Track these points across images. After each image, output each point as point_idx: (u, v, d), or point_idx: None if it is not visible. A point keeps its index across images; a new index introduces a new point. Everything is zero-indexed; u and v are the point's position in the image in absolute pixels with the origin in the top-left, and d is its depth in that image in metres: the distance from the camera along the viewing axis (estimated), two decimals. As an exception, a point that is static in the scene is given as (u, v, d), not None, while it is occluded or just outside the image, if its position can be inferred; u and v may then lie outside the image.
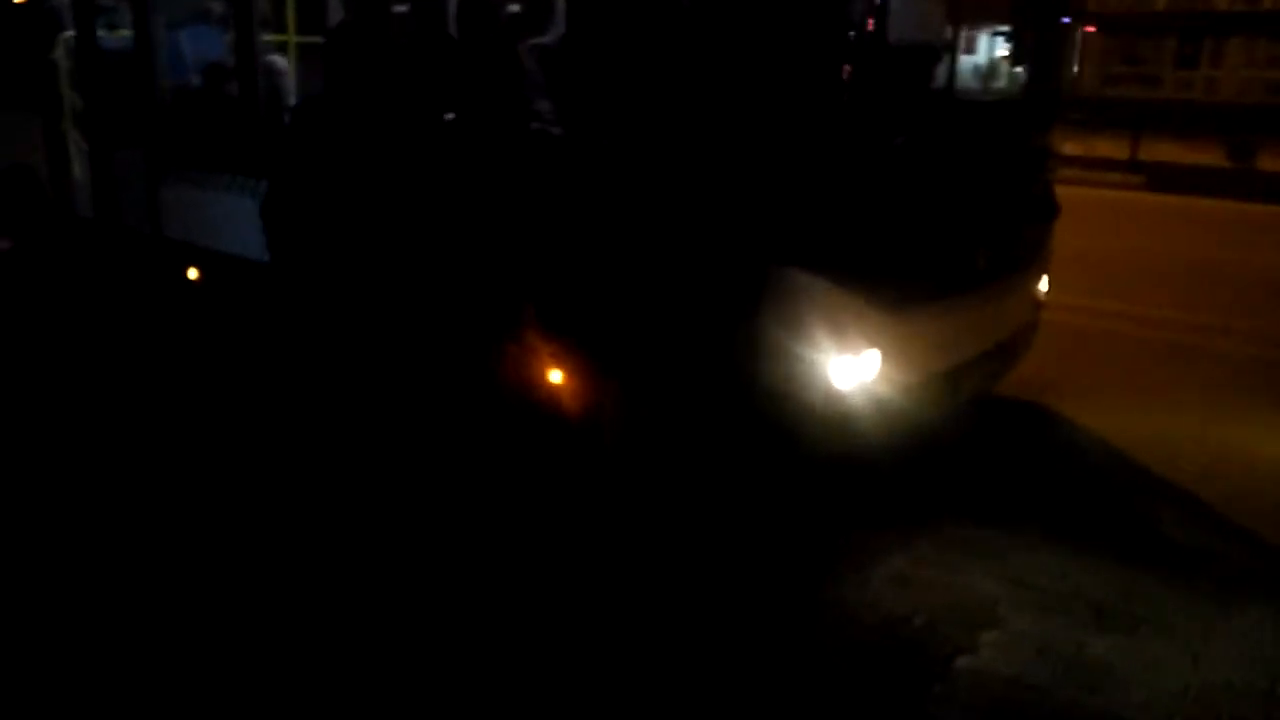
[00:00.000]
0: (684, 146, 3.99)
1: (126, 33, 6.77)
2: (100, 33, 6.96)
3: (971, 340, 4.61)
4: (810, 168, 3.80)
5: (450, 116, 4.72)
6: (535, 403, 4.65)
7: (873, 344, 4.01)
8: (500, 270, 4.52)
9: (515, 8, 5.43)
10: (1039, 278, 5.33)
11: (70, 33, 7.16)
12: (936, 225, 4.25)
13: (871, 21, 3.43)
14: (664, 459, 4.29)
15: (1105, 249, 9.90)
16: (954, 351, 4.50)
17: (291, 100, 6.21)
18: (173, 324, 6.66)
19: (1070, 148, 17.09)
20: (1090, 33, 33.08)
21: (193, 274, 6.61)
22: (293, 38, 6.94)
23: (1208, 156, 16.58)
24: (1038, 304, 5.40)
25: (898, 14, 3.28)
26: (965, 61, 4.43)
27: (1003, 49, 4.87)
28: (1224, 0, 31.10)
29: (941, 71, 4.12)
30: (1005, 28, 4.85)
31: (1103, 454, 5.14)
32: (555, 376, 4.58)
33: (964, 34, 4.33)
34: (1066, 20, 5.19)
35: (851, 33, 3.55)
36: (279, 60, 6.39)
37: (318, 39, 6.90)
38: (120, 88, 6.80)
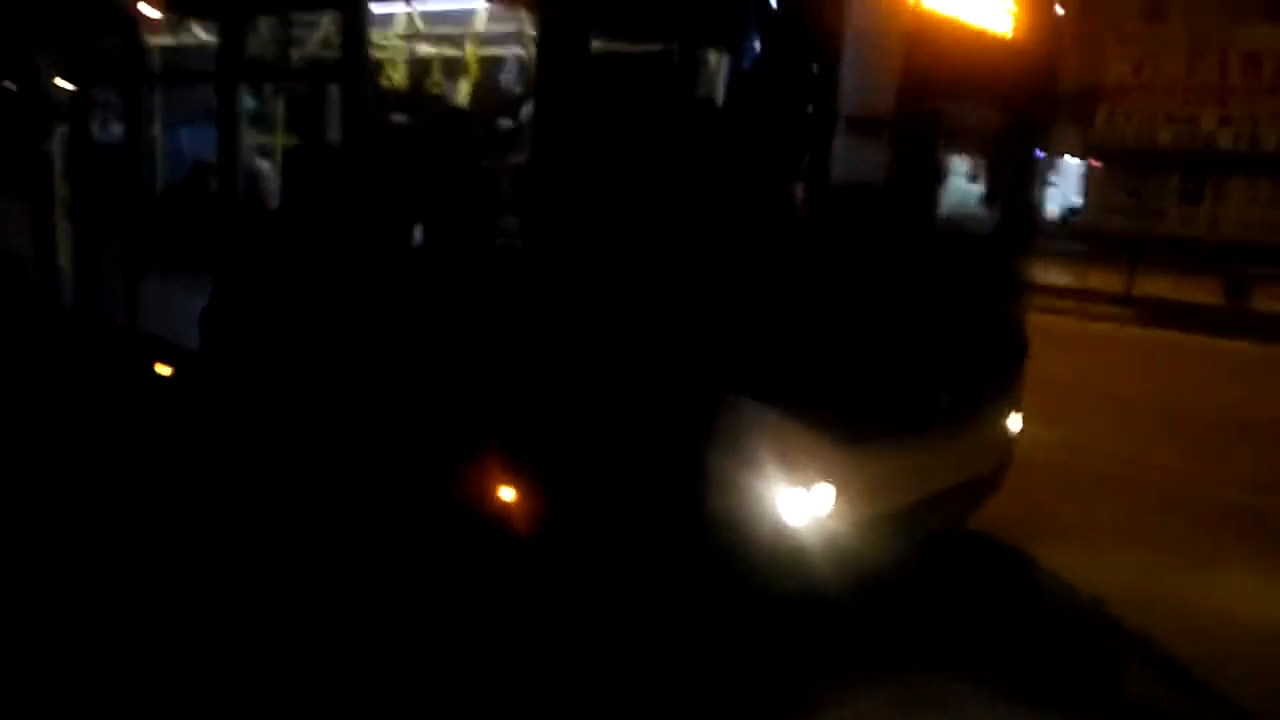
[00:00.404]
0: (638, 271, 3.96)
1: (120, 129, 6.88)
2: (95, 128, 7.07)
3: (932, 477, 4.49)
4: (763, 296, 3.75)
5: (416, 235, 4.73)
6: (485, 518, 4.52)
7: (826, 478, 3.90)
8: (458, 390, 4.44)
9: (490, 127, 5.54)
10: (1008, 416, 5.23)
11: (65, 126, 7.27)
12: (896, 359, 4.18)
13: (827, 152, 3.42)
14: (611, 585, 4.14)
15: (1090, 384, 9.83)
16: (913, 488, 4.39)
17: (269, 203, 6.27)
18: (136, 418, 6.57)
19: (1064, 278, 17.32)
20: (1095, 167, 33.89)
21: (163, 370, 6.56)
22: (280, 138, 7.06)
23: (1203, 293, 16.64)
24: (1008, 442, 5.28)
25: (851, 147, 3.26)
26: (936, 190, 4.44)
27: (971, 178, 4.89)
28: (1227, 139, 31.81)
29: (907, 201, 4.12)
30: (976, 158, 4.87)
31: (1072, 601, 4.96)
32: (506, 494, 4.46)
33: (935, 163, 4.36)
34: (1040, 154, 5.23)
35: (805, 163, 3.55)
36: (261, 162, 6.48)
37: (307, 138, 7.06)
38: (110, 182, 6.88)
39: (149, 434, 6.29)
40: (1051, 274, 15.39)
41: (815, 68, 3.27)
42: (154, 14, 6.29)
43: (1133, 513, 6.30)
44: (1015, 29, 4.28)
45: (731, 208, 3.71)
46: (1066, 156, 34.21)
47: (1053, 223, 34.00)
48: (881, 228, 3.61)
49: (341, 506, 4.98)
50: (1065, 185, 35.06)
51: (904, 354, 4.21)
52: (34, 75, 7.52)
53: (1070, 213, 34.84)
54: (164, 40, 6.59)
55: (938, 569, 4.98)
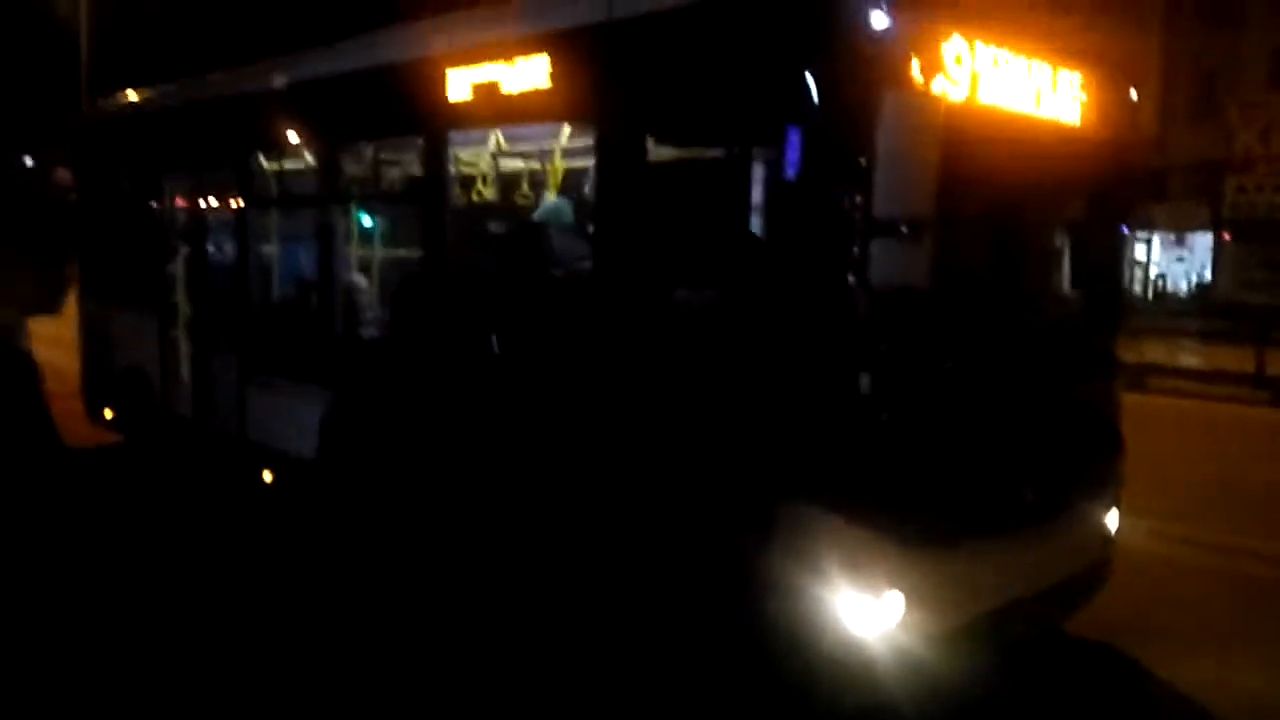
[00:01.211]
0: (694, 372, 3.99)
1: (232, 250, 7.36)
2: (210, 248, 7.58)
3: (1018, 582, 4.29)
4: (818, 399, 3.73)
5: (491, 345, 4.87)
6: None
7: (894, 585, 3.78)
8: (525, 500, 4.52)
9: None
10: (1106, 510, 4.98)
11: (187, 248, 7.82)
12: (970, 457, 4.06)
13: (866, 256, 3.41)
14: (666, 691, 4.08)
15: (1214, 472, 9.26)
16: (996, 594, 4.19)
17: (367, 316, 6.58)
18: (243, 524, 6.87)
19: (1191, 358, 16.45)
20: (1226, 240, 32.52)
21: (267, 477, 6.86)
22: (378, 252, 7.43)
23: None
24: (1107, 538, 5.02)
25: (889, 250, 3.26)
26: (1001, 283, 4.36)
27: (1050, 264, 4.78)
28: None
29: (969, 297, 4.05)
30: (1049, 245, 4.78)
31: (1182, 713, 4.62)
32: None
33: (995, 255, 4.28)
34: (1125, 230, 5.08)
35: (851, 267, 3.54)
36: (359, 279, 6.83)
37: (403, 252, 7.42)
38: (225, 298, 7.34)
39: (253, 538, 6.55)
40: (1176, 352, 14.69)
41: (851, 172, 3.29)
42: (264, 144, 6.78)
43: (1251, 614, 5.86)
44: (1077, 115, 4.22)
45: (781, 311, 3.72)
46: (1197, 231, 33.04)
47: (1181, 299, 32.68)
48: (934, 326, 3.55)
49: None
50: (1195, 260, 33.77)
51: (979, 451, 4.08)
52: (161, 199, 8.14)
53: (1200, 288, 33.47)
54: (277, 164, 7.08)
55: (1030, 678, 4.72)
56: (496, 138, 6.36)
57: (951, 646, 3.94)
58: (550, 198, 7.12)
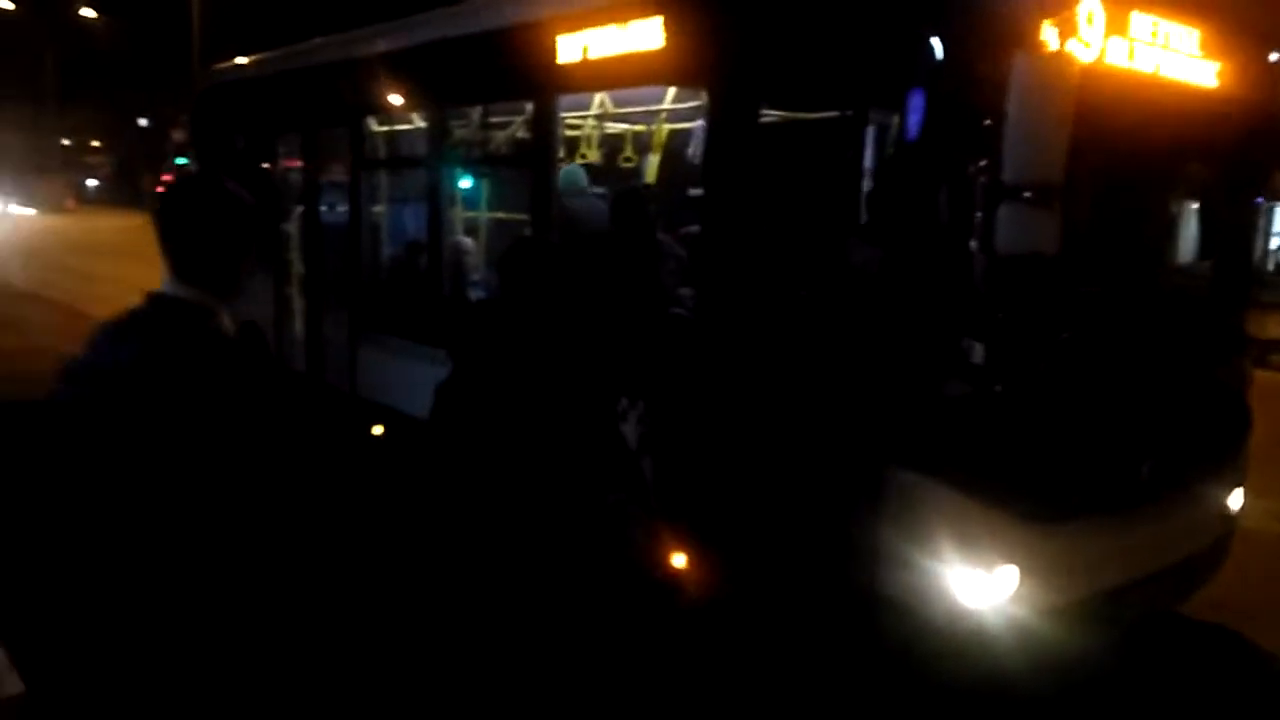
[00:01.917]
0: (808, 341, 3.96)
1: (344, 209, 7.55)
2: (323, 208, 7.78)
3: (1136, 560, 4.17)
4: (936, 366, 3.66)
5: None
6: (659, 583, 4.57)
7: (1008, 560, 3.72)
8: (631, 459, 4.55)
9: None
10: (1229, 488, 4.80)
11: (301, 207, 8.04)
12: (1088, 432, 3.94)
13: (993, 220, 3.31)
14: (774, 659, 4.09)
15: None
16: (1113, 572, 4.09)
17: (474, 276, 6.68)
18: (353, 476, 7.08)
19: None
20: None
21: (377, 430, 7.05)
22: (484, 213, 7.52)
23: None
24: (1227, 519, 4.84)
25: (1016, 215, 3.15)
26: (1130, 252, 4.19)
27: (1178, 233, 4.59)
28: None
29: (1094, 265, 3.91)
30: (1181, 213, 4.58)
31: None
32: (678, 561, 4.52)
33: (1125, 223, 4.12)
34: (1259, 201, 4.84)
35: (975, 231, 3.45)
36: (466, 240, 6.92)
37: (508, 215, 7.50)
38: (337, 257, 7.54)
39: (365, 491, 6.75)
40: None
41: (978, 136, 3.20)
42: (372, 108, 6.90)
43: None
44: (1212, 78, 4.02)
45: (898, 275, 3.66)
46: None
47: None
48: (1059, 295, 3.44)
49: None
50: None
51: (1099, 425, 3.97)
52: (275, 160, 8.37)
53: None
54: (387, 127, 7.20)
55: (1143, 657, 4.60)
56: (603, 100, 6.35)
57: (1065, 623, 3.87)
58: (653, 161, 7.13)
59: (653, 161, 7.07)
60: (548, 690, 3.99)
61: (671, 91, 6.16)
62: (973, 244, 3.50)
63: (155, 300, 2.29)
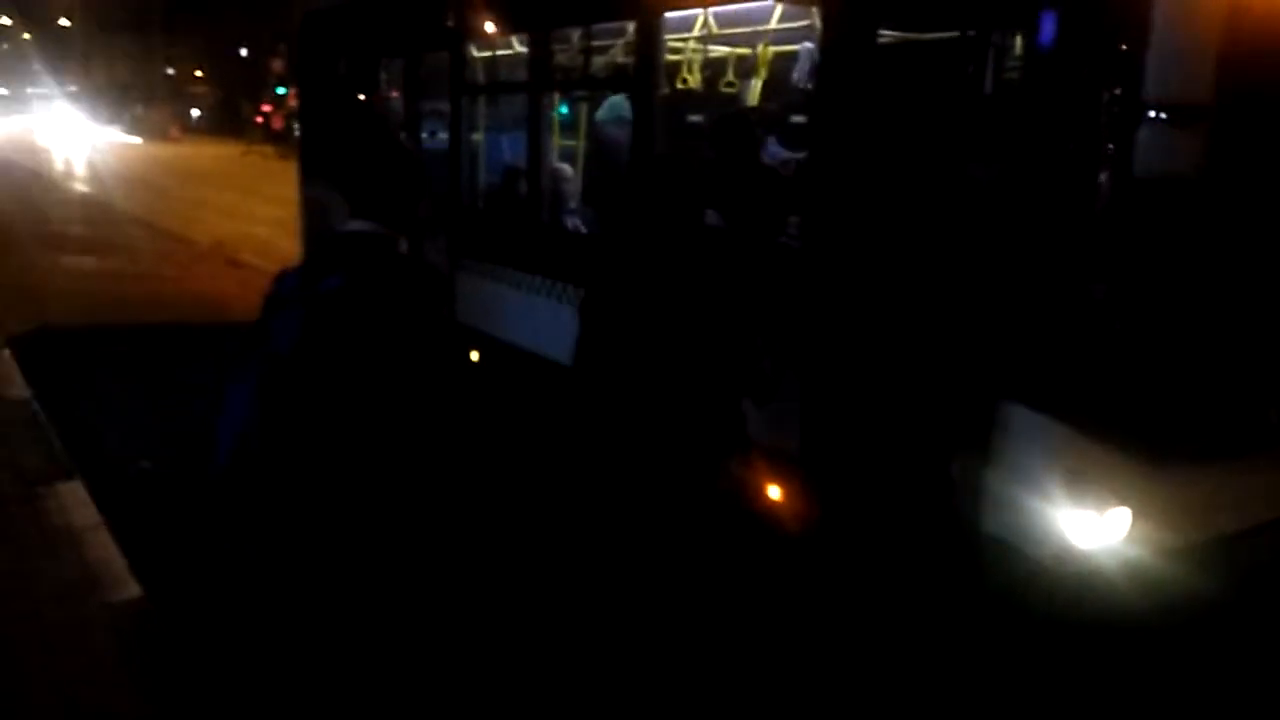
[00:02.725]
0: (920, 270, 3.84)
1: (445, 136, 7.57)
2: (423, 134, 7.81)
3: (1252, 507, 4.00)
4: (1054, 298, 3.52)
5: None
6: (755, 515, 4.55)
7: (1122, 501, 3.59)
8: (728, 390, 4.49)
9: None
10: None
11: (404, 134, 8.07)
12: (1211, 370, 3.76)
13: (1131, 143, 3.12)
14: (874, 598, 4.05)
15: None
16: (1233, 517, 3.93)
17: (572, 204, 6.65)
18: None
19: None
20: None
21: (474, 355, 7.14)
22: (582, 142, 7.45)
23: None
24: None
25: (1159, 138, 2.96)
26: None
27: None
28: None
29: (1233, 196, 3.68)
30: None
31: None
32: (774, 493, 4.48)
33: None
34: None
35: (1108, 155, 3.28)
36: (565, 167, 6.87)
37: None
38: (435, 183, 7.57)
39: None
40: None
41: (1119, 50, 3.00)
42: (471, 31, 6.85)
43: None
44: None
45: (1022, 202, 3.50)
46: None
47: None
48: (1196, 226, 3.25)
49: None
50: None
51: (1225, 366, 3.78)
52: (376, 86, 8.41)
53: None
54: (486, 53, 7.15)
55: (1251, 610, 4.42)
56: (708, 20, 6.19)
57: (1178, 568, 3.73)
58: (755, 86, 6.94)
59: (755, 86, 6.88)
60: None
61: (778, 10, 5.97)
62: (1102, 175, 3.34)
63: (346, 236, 2.63)
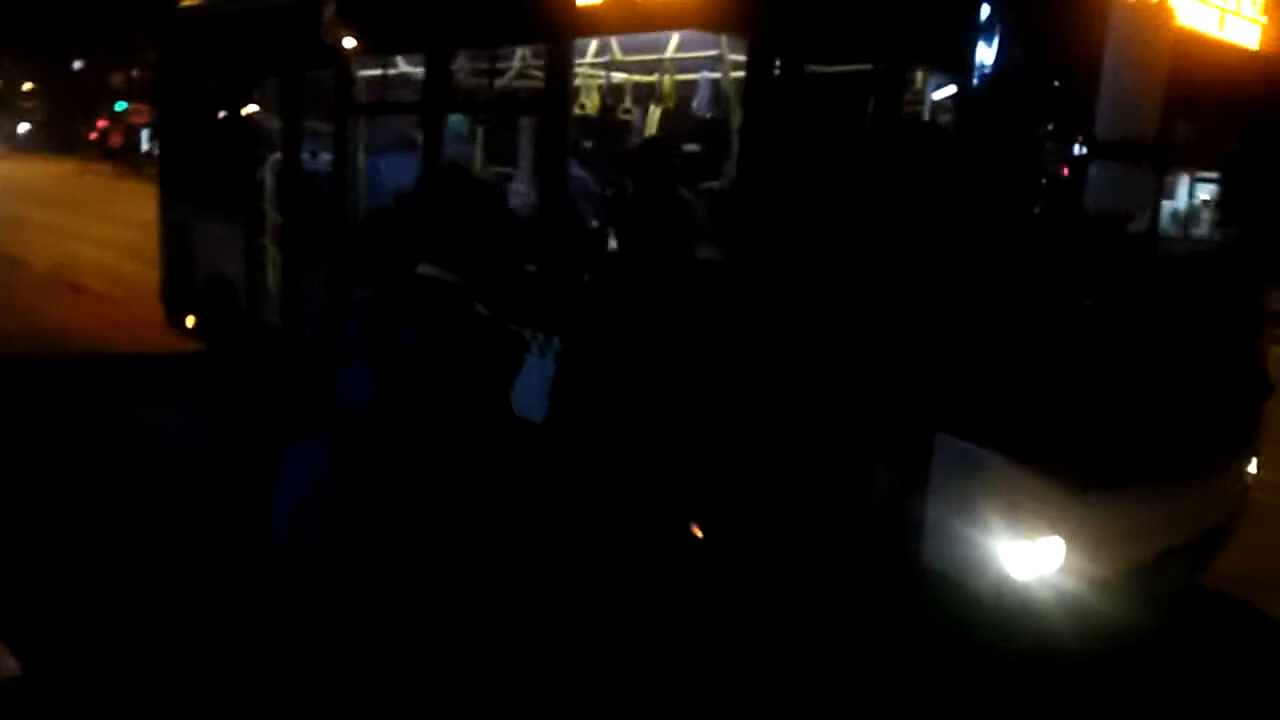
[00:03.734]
0: (850, 301, 3.80)
1: (328, 157, 7.21)
2: (304, 156, 7.41)
3: (1172, 529, 4.13)
4: (989, 328, 3.54)
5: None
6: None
7: (1055, 531, 3.63)
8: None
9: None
10: (1247, 459, 4.78)
11: (278, 154, 7.65)
12: (1134, 401, 3.86)
13: (1081, 179, 3.16)
14: (813, 634, 3.98)
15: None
16: (1153, 541, 4.04)
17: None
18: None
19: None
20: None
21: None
22: (479, 169, 7.22)
23: None
24: (1243, 491, 4.83)
25: (1109, 174, 3.00)
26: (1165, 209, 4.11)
27: (1205, 196, 4.51)
28: None
29: (1137, 226, 3.80)
30: (1210, 175, 4.49)
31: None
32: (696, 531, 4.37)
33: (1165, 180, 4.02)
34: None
35: (1046, 191, 3.33)
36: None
37: (506, 169, 7.21)
38: (317, 207, 7.19)
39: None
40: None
41: (1063, 87, 3.04)
42: (361, 48, 6.54)
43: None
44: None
45: (958, 234, 3.51)
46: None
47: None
48: (1132, 259, 3.33)
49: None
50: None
51: (1146, 395, 3.88)
52: (249, 104, 7.95)
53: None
54: (367, 72, 6.85)
55: (1172, 629, 4.57)
56: (606, 47, 6.09)
57: (1108, 595, 3.80)
58: (655, 112, 6.87)
59: (654, 114, 6.83)
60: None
61: (675, 39, 5.93)
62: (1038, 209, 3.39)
63: (420, 282, 2.38)
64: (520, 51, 6.12)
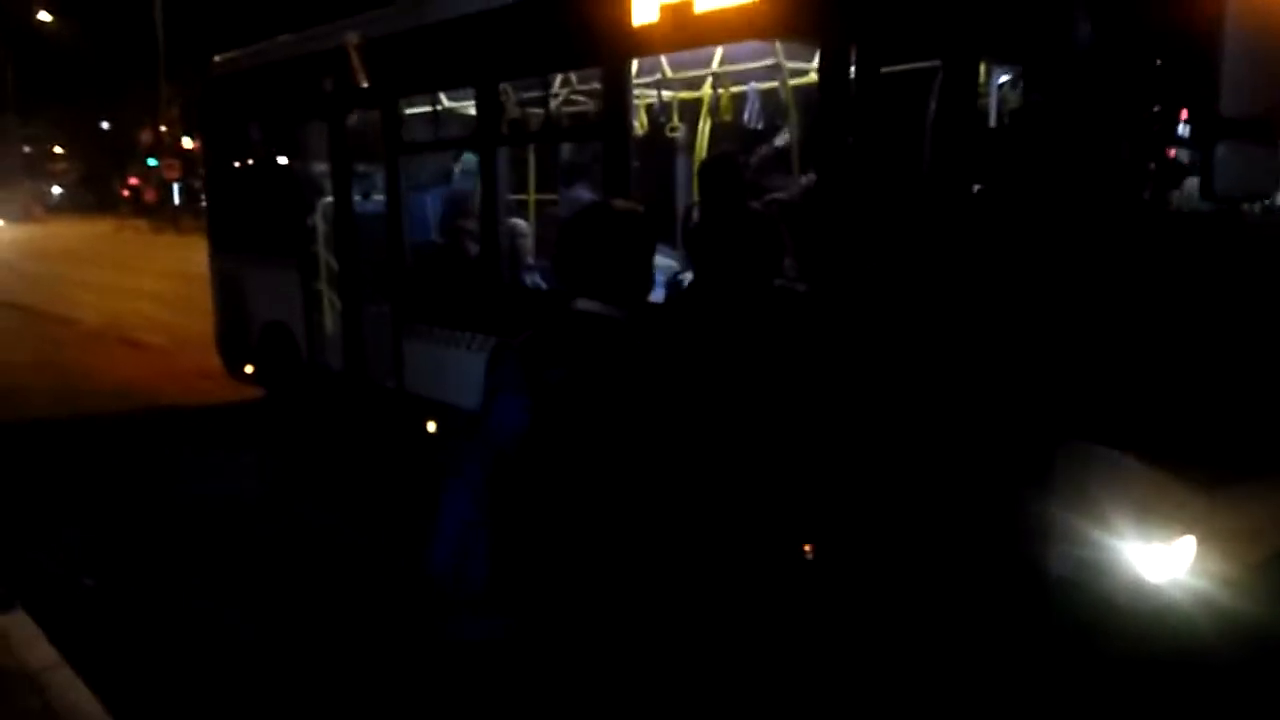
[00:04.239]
0: (962, 304, 3.67)
1: (379, 197, 7.19)
2: (355, 198, 7.40)
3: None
4: (1112, 326, 3.40)
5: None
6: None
7: (1188, 530, 3.48)
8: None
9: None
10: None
11: (329, 198, 7.65)
12: (1257, 388, 3.69)
13: (1209, 162, 3.01)
14: (940, 647, 3.84)
15: None
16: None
17: (530, 260, 6.35)
18: (407, 473, 6.83)
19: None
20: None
21: (431, 427, 6.73)
22: (532, 196, 7.17)
23: None
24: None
25: (1236, 154, 2.84)
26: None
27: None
28: None
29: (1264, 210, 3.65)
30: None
31: None
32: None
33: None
34: None
35: (1165, 175, 3.18)
36: (521, 223, 6.57)
37: (554, 196, 7.15)
38: (372, 248, 7.17)
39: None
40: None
41: (1178, 63, 2.90)
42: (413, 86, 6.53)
43: None
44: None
45: (1073, 229, 3.38)
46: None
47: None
48: (1261, 246, 3.18)
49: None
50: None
51: (1265, 384, 3.72)
52: (297, 149, 7.96)
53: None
54: (424, 109, 6.83)
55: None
56: (661, 65, 6.02)
57: (1244, 591, 3.63)
58: (704, 129, 6.78)
59: (703, 130, 6.73)
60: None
61: (719, 53, 5.84)
62: (1145, 194, 3.25)
63: (573, 317, 2.37)
64: (571, 77, 6.07)
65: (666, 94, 6.62)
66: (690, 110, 6.78)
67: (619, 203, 2.50)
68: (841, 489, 4.04)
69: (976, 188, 3.68)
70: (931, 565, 3.80)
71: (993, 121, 3.66)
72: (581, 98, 6.66)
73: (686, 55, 5.85)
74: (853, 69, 3.86)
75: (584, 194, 6.25)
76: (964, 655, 3.80)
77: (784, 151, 6.28)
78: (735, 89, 6.27)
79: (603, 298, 2.35)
